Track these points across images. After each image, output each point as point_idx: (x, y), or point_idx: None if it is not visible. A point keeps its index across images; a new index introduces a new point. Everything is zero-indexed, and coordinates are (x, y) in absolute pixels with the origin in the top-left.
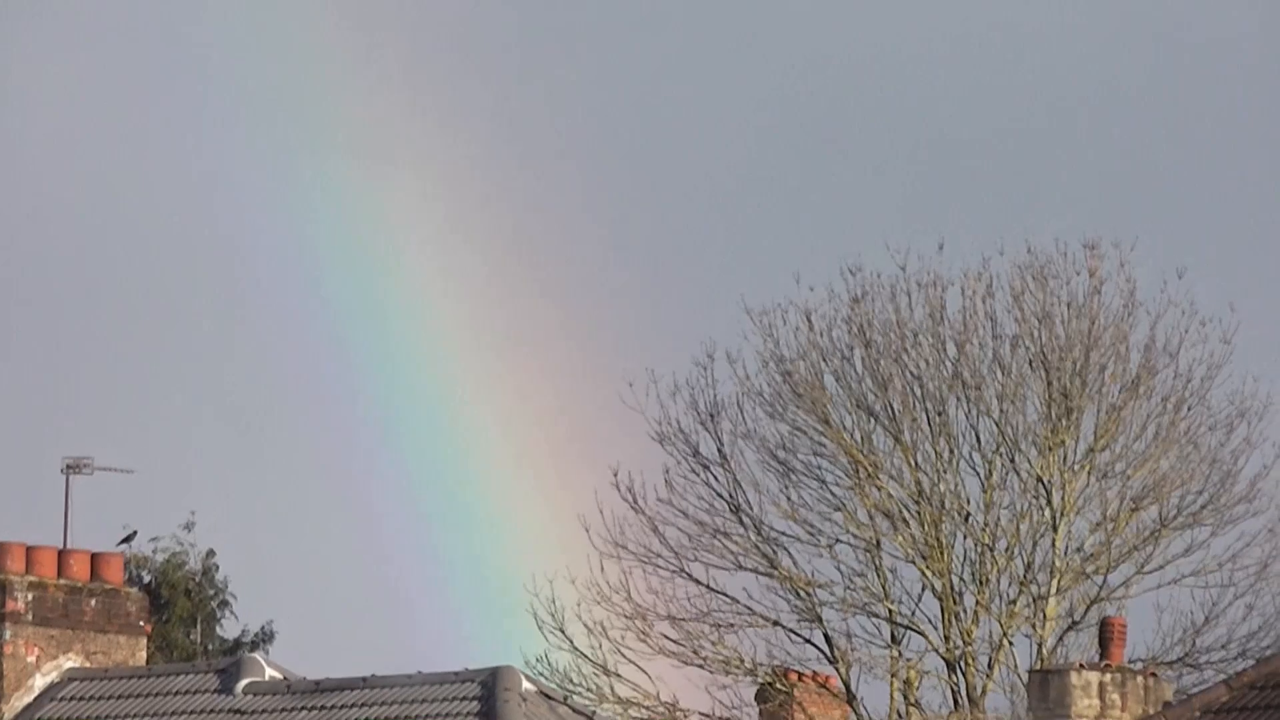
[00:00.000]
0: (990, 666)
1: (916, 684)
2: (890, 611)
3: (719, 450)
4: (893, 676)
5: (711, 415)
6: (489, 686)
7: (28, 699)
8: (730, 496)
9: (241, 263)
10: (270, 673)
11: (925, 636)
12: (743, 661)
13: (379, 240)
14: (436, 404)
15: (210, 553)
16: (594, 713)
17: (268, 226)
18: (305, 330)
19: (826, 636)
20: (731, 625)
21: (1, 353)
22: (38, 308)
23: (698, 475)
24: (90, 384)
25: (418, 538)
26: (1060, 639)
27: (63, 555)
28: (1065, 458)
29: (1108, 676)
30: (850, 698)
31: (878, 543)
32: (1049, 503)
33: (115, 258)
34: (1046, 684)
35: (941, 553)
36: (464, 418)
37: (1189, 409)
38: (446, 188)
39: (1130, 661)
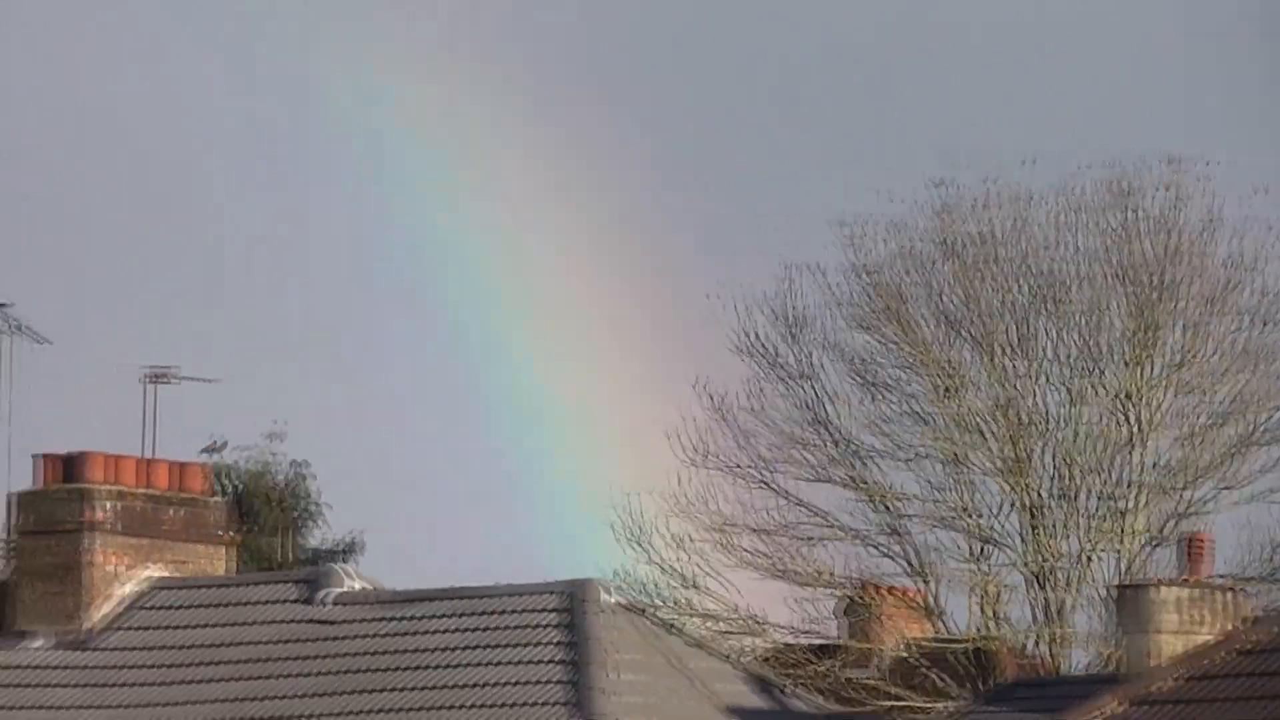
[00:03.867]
0: (1074, 582)
1: (1000, 599)
2: (974, 526)
3: (801, 363)
4: (976, 591)
5: (794, 327)
6: (571, 598)
7: (111, 607)
8: (813, 409)
9: (319, 175)
10: (354, 583)
11: (1009, 551)
12: (825, 574)
13: (457, 153)
14: (516, 314)
15: (300, 462)
16: (675, 625)
17: (340, 136)
18: (385, 242)
19: (910, 550)
20: (815, 538)
21: (84, 262)
22: (119, 215)
23: (780, 387)
24: (174, 293)
25: (502, 450)
26: (1144, 555)
27: (146, 465)
28: (1148, 373)
29: (1191, 592)
30: (933, 612)
31: (961, 456)
32: (1132, 418)
33: (193, 166)
34: (1130, 599)
35: (1025, 467)
36: (543, 327)
37: (1271, 325)
38: (531, 90)
39: (1213, 577)
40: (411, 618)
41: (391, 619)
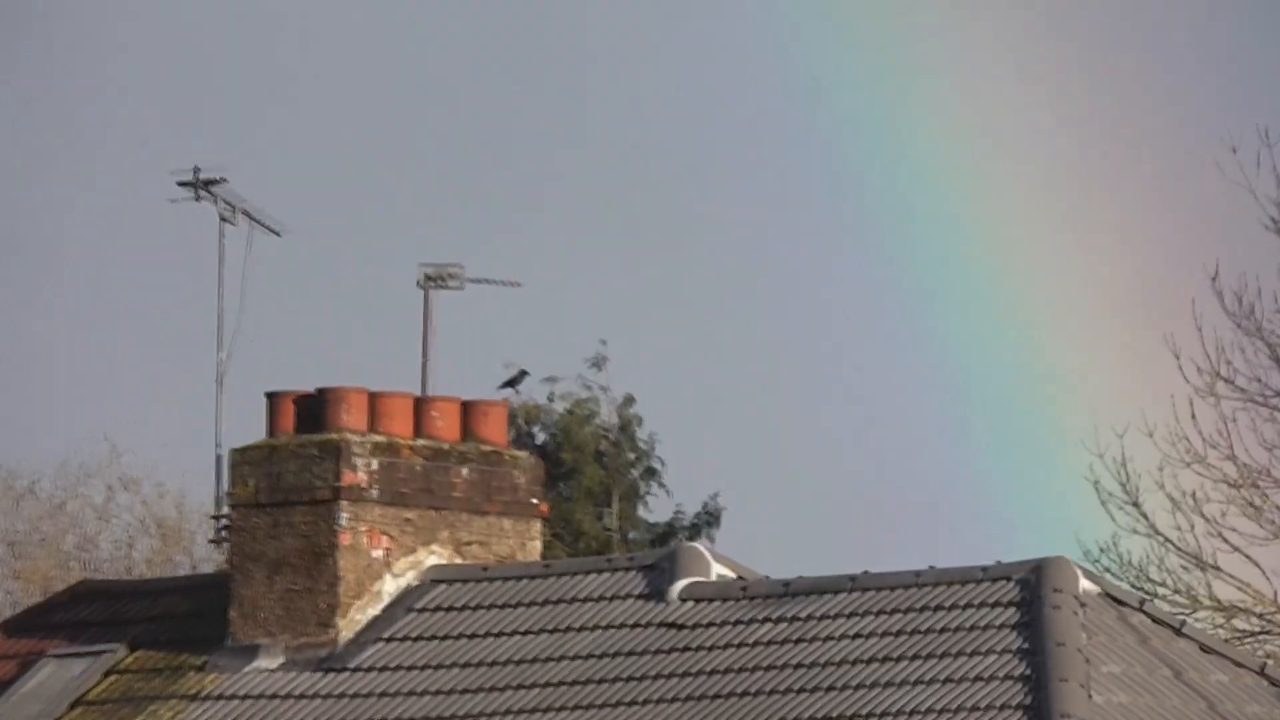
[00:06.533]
0: None
1: None
2: None
3: None
4: None
5: None
6: (1031, 587)
7: (374, 610)
8: None
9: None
10: (718, 570)
11: None
12: None
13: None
14: (945, 171)
15: (629, 399)
16: (1183, 622)
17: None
18: (764, 103)
19: None
20: None
21: (328, 131)
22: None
23: None
24: (460, 176)
25: (921, 370)
26: None
27: (422, 405)
28: None
29: None
30: None
31: None
32: None
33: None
34: None
35: None
36: (989, 201)
37: None
38: None
39: None
40: (801, 619)
41: (770, 620)
